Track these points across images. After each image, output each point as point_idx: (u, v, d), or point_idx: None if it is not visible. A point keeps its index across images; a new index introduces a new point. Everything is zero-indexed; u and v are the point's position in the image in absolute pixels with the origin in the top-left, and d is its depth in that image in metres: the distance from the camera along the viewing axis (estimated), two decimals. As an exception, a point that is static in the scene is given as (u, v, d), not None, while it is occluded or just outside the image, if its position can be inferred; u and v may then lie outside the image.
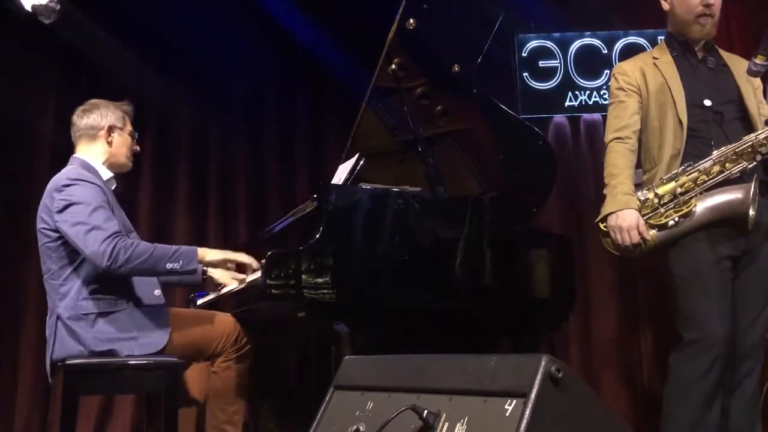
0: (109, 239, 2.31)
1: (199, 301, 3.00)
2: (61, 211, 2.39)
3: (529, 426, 1.16)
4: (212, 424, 2.59)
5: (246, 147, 4.49)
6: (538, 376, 1.20)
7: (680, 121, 2.42)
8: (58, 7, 3.56)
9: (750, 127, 2.42)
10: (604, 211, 2.44)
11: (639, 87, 2.54)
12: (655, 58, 2.57)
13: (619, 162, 2.47)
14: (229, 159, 4.46)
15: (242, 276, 2.60)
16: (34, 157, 4.13)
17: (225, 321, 2.64)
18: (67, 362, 2.34)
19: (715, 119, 2.43)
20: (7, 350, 3.93)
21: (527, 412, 1.17)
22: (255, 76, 4.51)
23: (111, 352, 2.36)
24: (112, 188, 2.61)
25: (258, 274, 2.45)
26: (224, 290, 2.71)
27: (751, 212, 2.25)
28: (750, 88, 2.49)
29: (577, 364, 4.17)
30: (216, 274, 2.64)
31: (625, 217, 2.37)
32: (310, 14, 4.42)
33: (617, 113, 2.55)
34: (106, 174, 2.59)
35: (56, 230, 2.42)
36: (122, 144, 2.64)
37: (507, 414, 1.21)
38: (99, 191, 2.44)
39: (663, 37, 2.67)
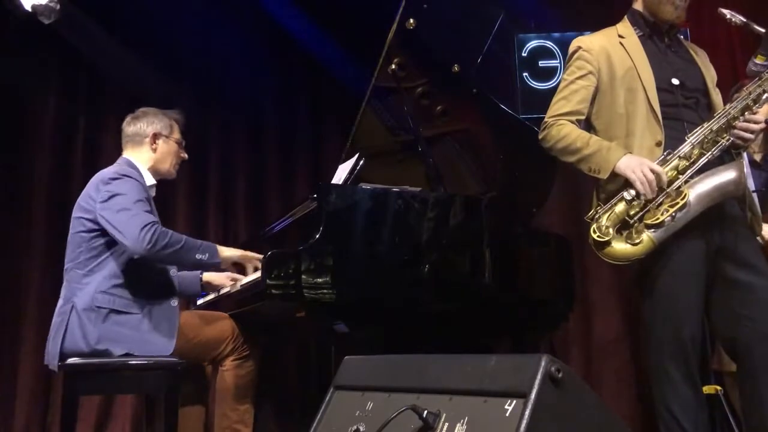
0: (149, 225, 2.38)
1: (200, 301, 3.01)
2: (105, 201, 2.44)
3: (529, 426, 1.15)
4: (224, 424, 2.60)
5: (246, 147, 4.49)
6: (538, 376, 1.20)
7: (652, 108, 2.27)
8: (58, 7, 3.56)
9: None
10: (606, 164, 2.20)
11: (599, 71, 2.36)
12: (620, 36, 2.39)
13: (579, 132, 2.31)
14: (229, 159, 4.46)
15: (239, 276, 2.61)
16: (34, 157, 4.13)
17: (230, 322, 2.66)
18: (67, 362, 2.34)
19: (687, 103, 2.30)
20: (7, 350, 3.92)
21: (527, 412, 1.17)
22: (255, 76, 4.51)
23: (107, 352, 2.36)
24: (152, 195, 2.65)
25: (255, 275, 2.46)
26: (223, 290, 2.72)
27: (748, 190, 2.14)
28: (710, 77, 2.39)
29: (577, 364, 4.16)
30: (212, 276, 2.77)
31: (632, 156, 2.19)
32: (310, 14, 4.41)
33: (565, 95, 2.38)
34: (150, 180, 2.65)
35: (94, 221, 2.47)
36: (167, 151, 2.70)
37: (507, 414, 1.20)
38: (142, 188, 2.51)
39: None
